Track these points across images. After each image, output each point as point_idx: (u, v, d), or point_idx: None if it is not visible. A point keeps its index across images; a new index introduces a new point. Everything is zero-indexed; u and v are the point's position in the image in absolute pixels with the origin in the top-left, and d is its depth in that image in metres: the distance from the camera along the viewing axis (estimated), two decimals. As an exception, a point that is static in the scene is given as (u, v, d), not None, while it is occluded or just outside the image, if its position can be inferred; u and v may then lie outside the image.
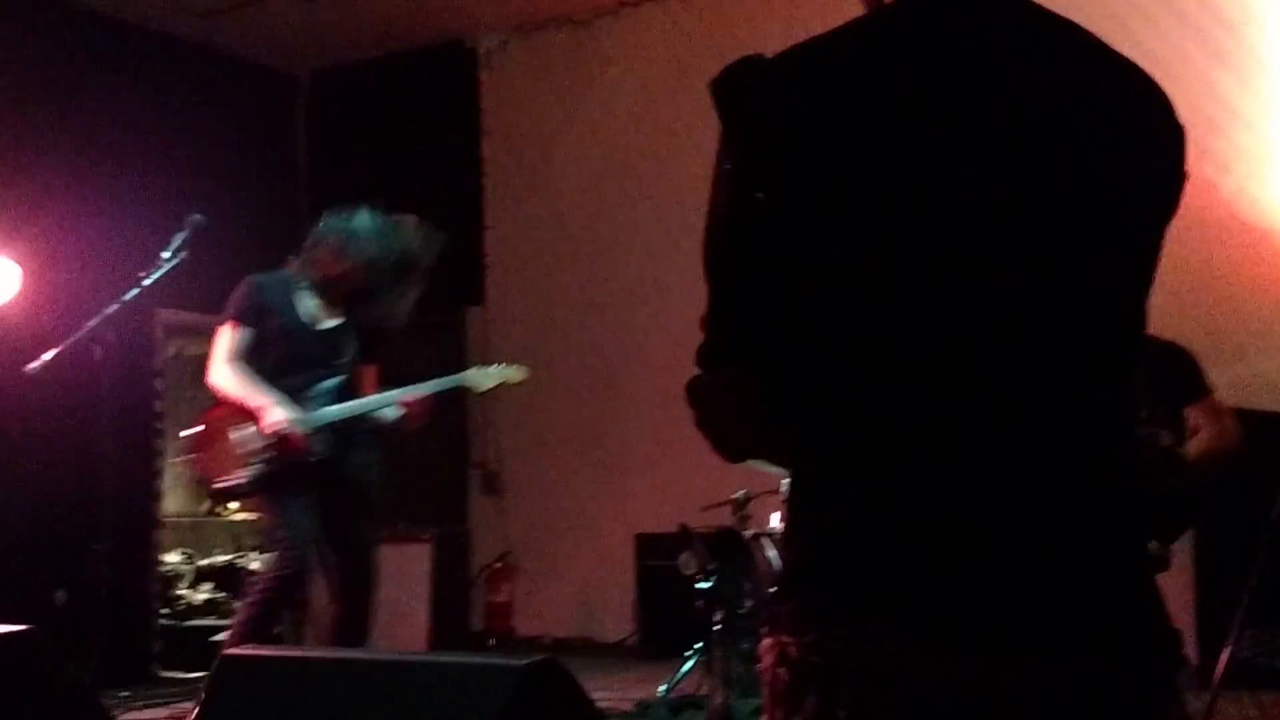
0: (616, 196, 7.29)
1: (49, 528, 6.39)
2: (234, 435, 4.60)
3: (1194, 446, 3.88)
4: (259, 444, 4.55)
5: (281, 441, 4.51)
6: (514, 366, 4.89)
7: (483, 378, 4.85)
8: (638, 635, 6.92)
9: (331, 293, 4.73)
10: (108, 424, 4.59)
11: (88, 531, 5.12)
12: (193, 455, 4.75)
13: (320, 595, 4.70)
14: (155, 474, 7.34)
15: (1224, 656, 3.89)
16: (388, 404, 4.65)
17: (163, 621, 7.43)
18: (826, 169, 1.40)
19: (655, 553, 6.44)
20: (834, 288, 1.41)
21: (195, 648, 7.09)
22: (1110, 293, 1.45)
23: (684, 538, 5.28)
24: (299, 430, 4.51)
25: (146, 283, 4.43)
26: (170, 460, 4.66)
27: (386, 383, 4.78)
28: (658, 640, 6.54)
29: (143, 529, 7.11)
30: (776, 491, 4.94)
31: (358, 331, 4.76)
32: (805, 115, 1.42)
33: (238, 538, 8.80)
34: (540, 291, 7.51)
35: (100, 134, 7.04)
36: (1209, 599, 4.84)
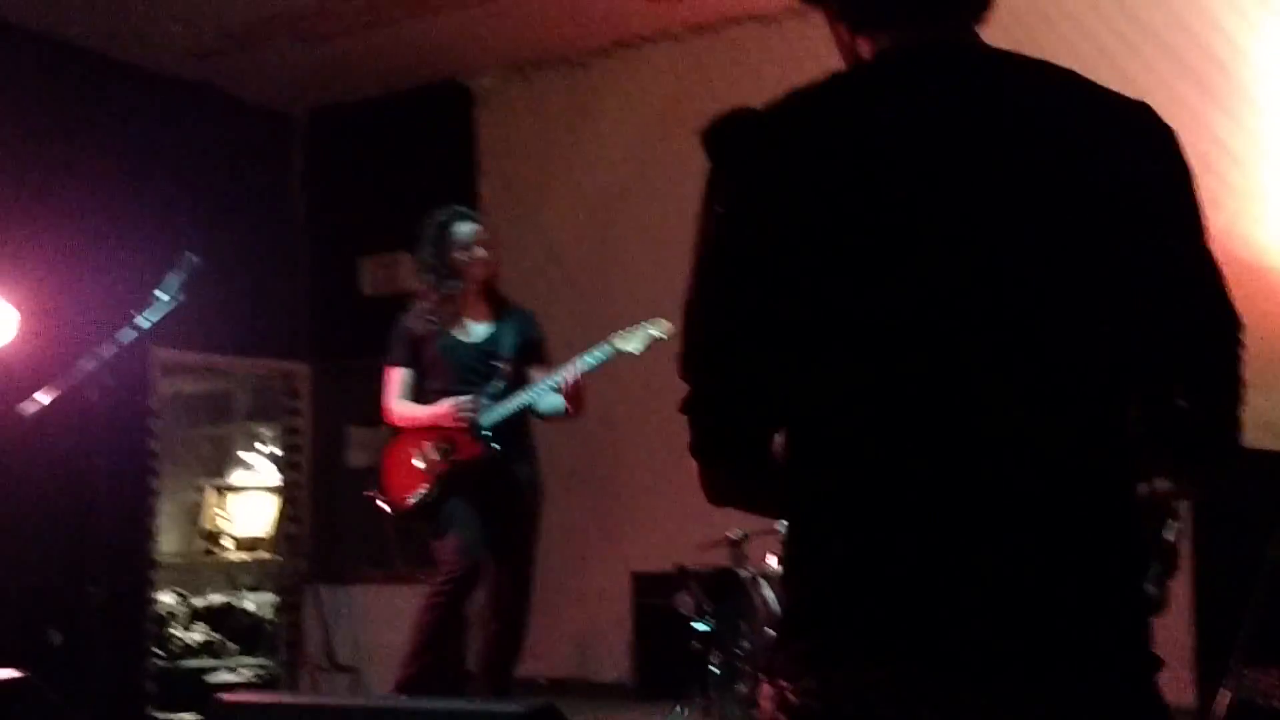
0: (612, 235, 7.31)
1: (44, 569, 6.36)
2: (415, 458, 4.89)
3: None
4: (437, 456, 4.84)
5: (457, 447, 4.81)
6: (656, 322, 4.86)
7: (633, 339, 4.86)
8: (634, 676, 6.89)
9: (455, 304, 4.99)
10: (103, 464, 4.59)
11: (82, 572, 5.10)
12: (378, 490, 5.04)
13: (483, 609, 4.94)
14: (150, 513, 7.32)
15: (1223, 697, 3.88)
16: (546, 391, 4.82)
17: (157, 663, 7.39)
18: (819, 222, 1.43)
19: (652, 592, 6.42)
20: (826, 338, 1.43)
21: (189, 689, 7.06)
22: (1104, 331, 1.45)
23: (681, 578, 5.27)
24: (475, 419, 4.80)
25: (144, 324, 4.43)
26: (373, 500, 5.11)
27: None
28: (655, 681, 6.50)
29: (137, 569, 7.08)
30: (774, 532, 4.93)
31: (517, 336, 4.99)
32: (797, 168, 1.45)
33: (233, 578, 8.77)
34: (536, 329, 7.52)
35: (97, 174, 7.05)
36: (1208, 639, 4.82)
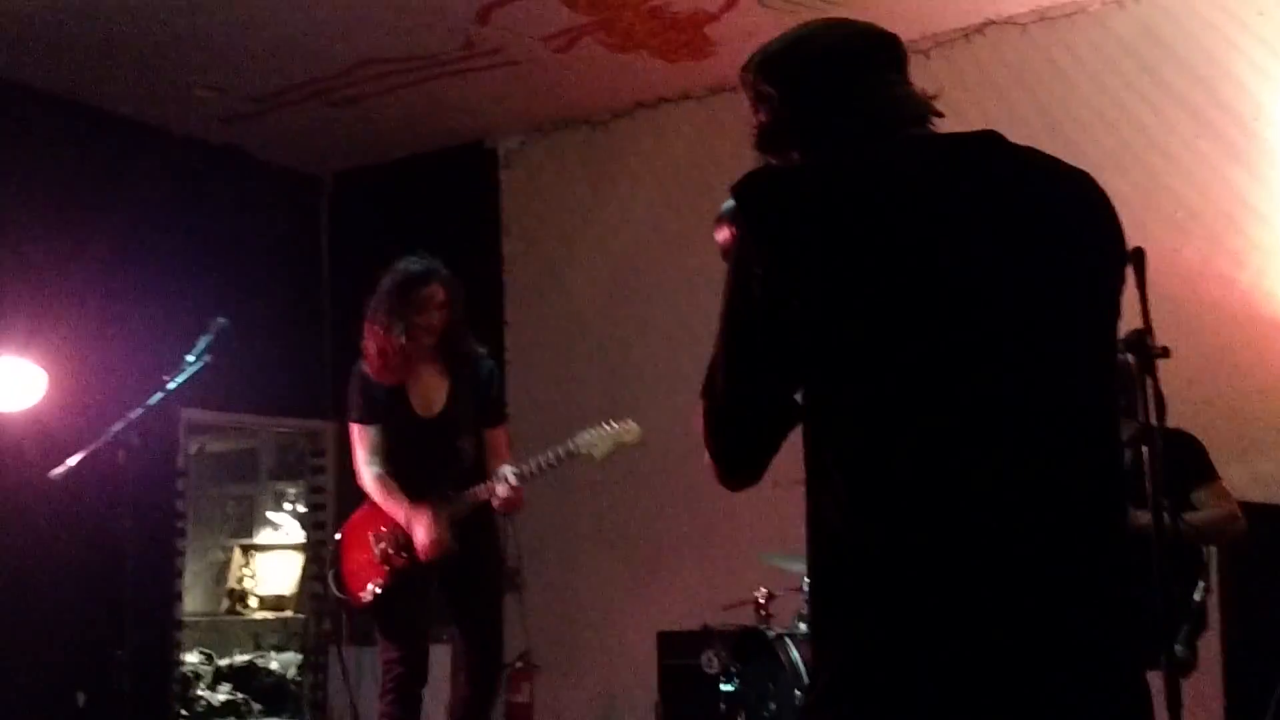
0: (634, 293, 7.34)
1: (69, 629, 6.37)
2: (374, 546, 4.67)
3: (1195, 518, 3.92)
4: (394, 551, 4.61)
5: (419, 549, 4.54)
6: (625, 424, 4.57)
7: (596, 441, 4.52)
8: (660, 736, 6.84)
9: (408, 363, 4.70)
10: (129, 524, 4.59)
11: (108, 632, 5.11)
12: (334, 574, 4.79)
13: (457, 676, 4.74)
14: (176, 573, 7.33)
15: (1257, 758, 3.83)
16: (486, 498, 4.56)
17: (181, 724, 7.37)
18: (852, 282, 1.48)
19: (678, 651, 6.37)
20: (862, 392, 1.47)
21: (214, 750, 7.04)
22: (1089, 376, 1.55)
23: (707, 637, 5.23)
24: (441, 543, 4.51)
25: (171, 387, 4.46)
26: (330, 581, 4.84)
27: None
28: (680, 741, 6.45)
29: (163, 629, 7.09)
30: (800, 590, 4.91)
31: (474, 405, 4.70)
32: (830, 232, 1.51)
33: (257, 637, 8.76)
34: (560, 387, 7.54)
35: (125, 237, 7.12)
36: (1238, 700, 4.76)
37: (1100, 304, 1.58)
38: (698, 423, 1.65)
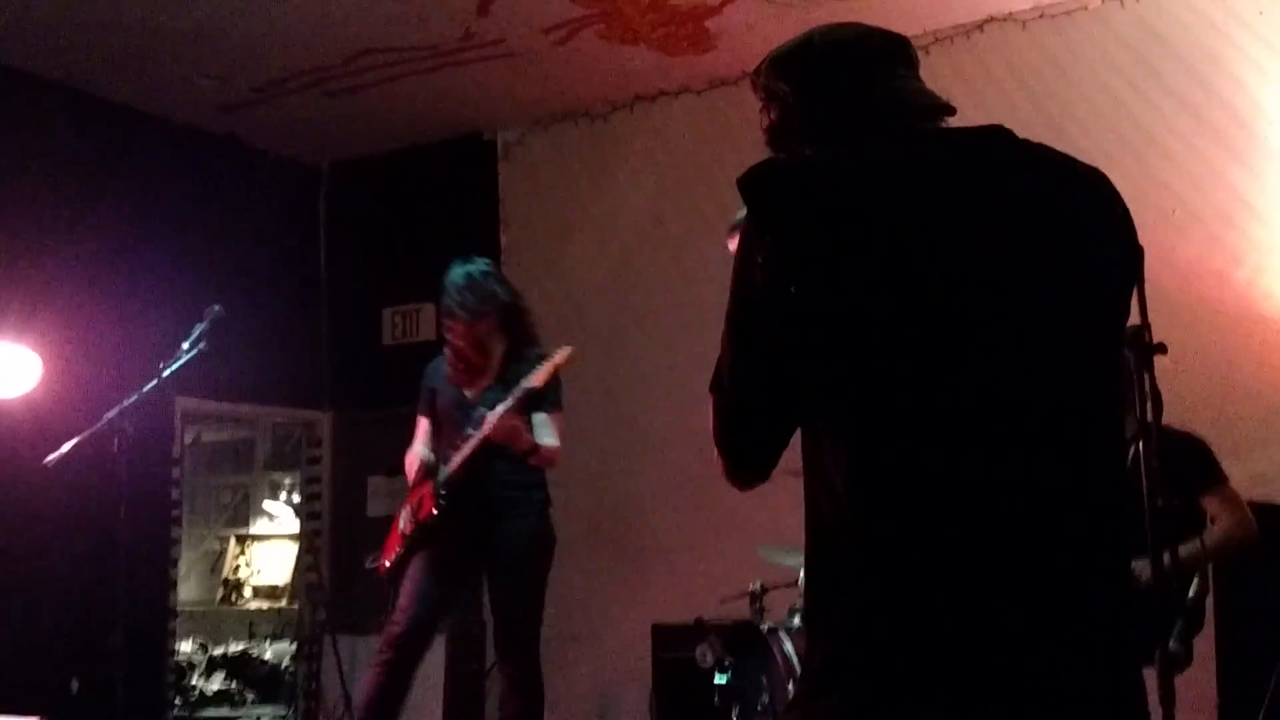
0: (632, 286, 7.34)
1: (64, 617, 6.37)
2: (400, 520, 4.88)
3: (1211, 536, 3.90)
4: (408, 518, 4.82)
5: (420, 506, 4.73)
6: (558, 349, 4.74)
7: (536, 373, 4.65)
8: (654, 728, 6.84)
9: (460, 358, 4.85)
10: (124, 513, 4.59)
11: (103, 620, 5.11)
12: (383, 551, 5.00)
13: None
14: (171, 562, 7.33)
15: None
16: (475, 444, 4.60)
17: (176, 712, 7.37)
18: (853, 270, 1.48)
19: (672, 645, 6.37)
20: (860, 384, 1.47)
21: (207, 739, 7.04)
22: (1096, 373, 1.55)
23: (701, 630, 5.24)
24: (427, 480, 4.73)
25: (165, 374, 4.46)
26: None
27: None
28: (674, 734, 6.45)
29: (157, 618, 7.08)
30: (794, 584, 4.91)
31: (515, 388, 4.66)
32: (833, 220, 1.51)
33: (251, 626, 8.76)
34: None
35: (122, 224, 7.12)
36: (1232, 695, 4.77)
37: (1109, 301, 1.57)
38: (707, 419, 1.65)
